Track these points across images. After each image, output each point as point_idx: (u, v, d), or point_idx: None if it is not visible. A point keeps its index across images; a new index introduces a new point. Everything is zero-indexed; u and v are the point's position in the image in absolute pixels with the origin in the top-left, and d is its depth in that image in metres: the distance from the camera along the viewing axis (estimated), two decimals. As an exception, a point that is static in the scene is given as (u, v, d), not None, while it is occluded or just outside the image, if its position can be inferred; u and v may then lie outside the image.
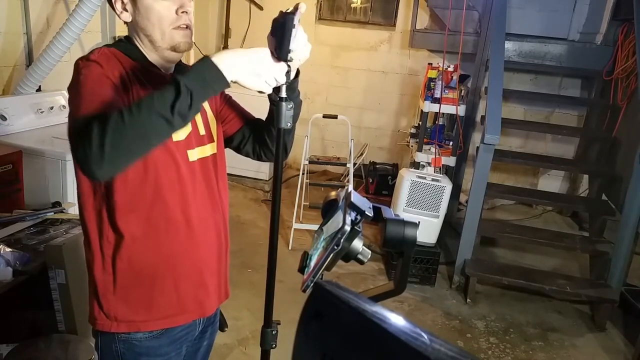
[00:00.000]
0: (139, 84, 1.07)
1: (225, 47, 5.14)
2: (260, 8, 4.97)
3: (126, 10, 1.11)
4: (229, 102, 1.34)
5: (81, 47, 3.33)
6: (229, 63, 0.93)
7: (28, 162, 2.24)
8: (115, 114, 0.87)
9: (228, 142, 1.33)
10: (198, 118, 1.19)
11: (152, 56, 1.13)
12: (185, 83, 0.89)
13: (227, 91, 1.33)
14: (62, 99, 2.79)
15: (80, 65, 1.03)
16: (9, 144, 2.27)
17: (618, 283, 3.06)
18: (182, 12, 1.08)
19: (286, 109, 1.06)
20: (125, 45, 1.12)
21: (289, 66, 1.00)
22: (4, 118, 2.43)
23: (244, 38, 5.07)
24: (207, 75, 0.92)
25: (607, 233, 3.45)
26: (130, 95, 1.05)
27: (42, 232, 1.97)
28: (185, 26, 1.10)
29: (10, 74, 2.85)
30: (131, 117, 0.87)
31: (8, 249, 1.72)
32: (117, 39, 3.83)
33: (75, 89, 1.00)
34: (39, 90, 2.85)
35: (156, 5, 1.07)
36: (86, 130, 0.87)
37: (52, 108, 2.71)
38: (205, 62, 0.92)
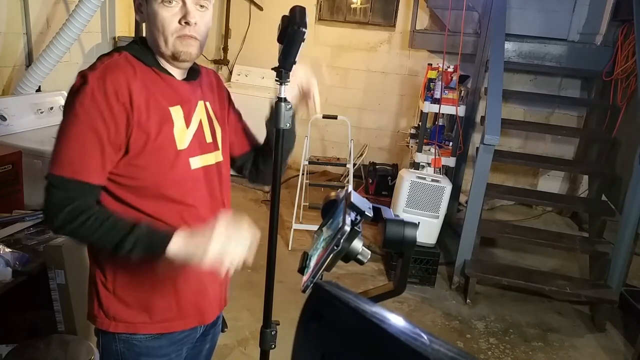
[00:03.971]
0: (147, 92, 1.05)
1: (225, 47, 5.14)
2: (260, 8, 4.97)
3: (141, 12, 1.10)
4: (241, 121, 1.34)
5: (81, 47, 3.33)
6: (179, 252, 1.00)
7: (28, 163, 2.24)
8: (78, 223, 0.99)
9: (232, 162, 1.33)
10: (205, 125, 1.18)
11: (163, 61, 1.12)
12: (135, 244, 0.99)
13: (230, 93, 1.33)
14: (61, 99, 2.79)
15: (77, 87, 1.02)
16: (8, 144, 2.27)
17: (618, 284, 3.06)
18: (185, 22, 1.05)
19: (285, 109, 1.06)
20: (140, 49, 1.11)
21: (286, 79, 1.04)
22: (3, 118, 2.43)
23: (244, 38, 5.07)
24: (157, 247, 1.00)
25: (606, 234, 3.45)
26: (138, 107, 1.03)
27: (41, 232, 1.97)
28: (190, 36, 1.07)
29: (10, 74, 2.85)
30: (87, 236, 1.01)
31: (8, 250, 1.72)
32: (117, 39, 3.81)
33: (63, 124, 1.02)
34: (38, 90, 2.85)
35: (160, 11, 1.05)
36: (53, 211, 1.00)
37: (52, 108, 2.71)
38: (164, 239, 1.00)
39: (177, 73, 1.14)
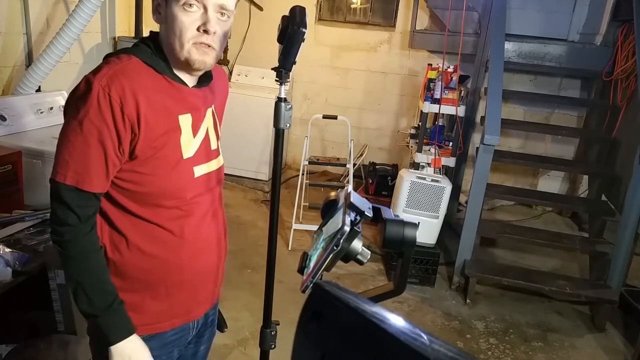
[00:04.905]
0: (156, 101, 1.03)
1: (225, 47, 5.14)
2: (260, 9, 4.97)
3: (159, 13, 1.07)
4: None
5: (81, 47, 3.33)
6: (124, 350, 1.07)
7: (28, 163, 2.24)
8: (70, 255, 1.04)
9: None
10: (211, 132, 1.17)
11: (175, 66, 1.09)
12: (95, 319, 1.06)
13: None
14: (61, 99, 2.79)
15: (81, 93, 0.99)
16: (8, 144, 2.27)
17: (618, 284, 3.06)
18: (204, 30, 1.02)
19: (285, 109, 1.07)
20: (151, 54, 1.07)
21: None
22: (3, 118, 2.43)
23: (244, 38, 5.07)
24: (108, 329, 1.07)
25: (606, 234, 3.45)
26: (145, 117, 1.01)
27: (41, 232, 1.97)
28: (207, 45, 1.04)
29: (10, 74, 2.85)
30: (72, 267, 1.06)
31: (7, 250, 1.72)
32: (117, 39, 3.79)
33: (67, 130, 1.00)
34: (38, 90, 2.84)
35: (180, 16, 1.02)
36: (58, 225, 1.03)
37: (51, 108, 2.71)
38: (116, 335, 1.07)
39: (189, 79, 1.12)
